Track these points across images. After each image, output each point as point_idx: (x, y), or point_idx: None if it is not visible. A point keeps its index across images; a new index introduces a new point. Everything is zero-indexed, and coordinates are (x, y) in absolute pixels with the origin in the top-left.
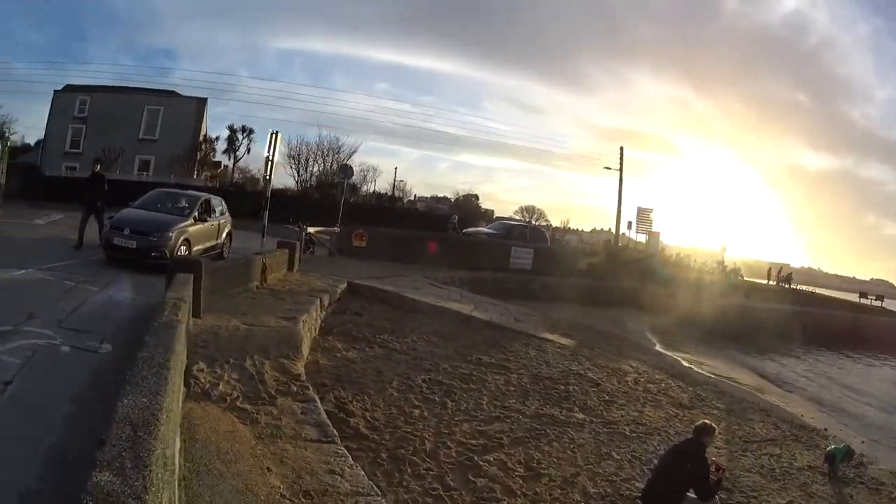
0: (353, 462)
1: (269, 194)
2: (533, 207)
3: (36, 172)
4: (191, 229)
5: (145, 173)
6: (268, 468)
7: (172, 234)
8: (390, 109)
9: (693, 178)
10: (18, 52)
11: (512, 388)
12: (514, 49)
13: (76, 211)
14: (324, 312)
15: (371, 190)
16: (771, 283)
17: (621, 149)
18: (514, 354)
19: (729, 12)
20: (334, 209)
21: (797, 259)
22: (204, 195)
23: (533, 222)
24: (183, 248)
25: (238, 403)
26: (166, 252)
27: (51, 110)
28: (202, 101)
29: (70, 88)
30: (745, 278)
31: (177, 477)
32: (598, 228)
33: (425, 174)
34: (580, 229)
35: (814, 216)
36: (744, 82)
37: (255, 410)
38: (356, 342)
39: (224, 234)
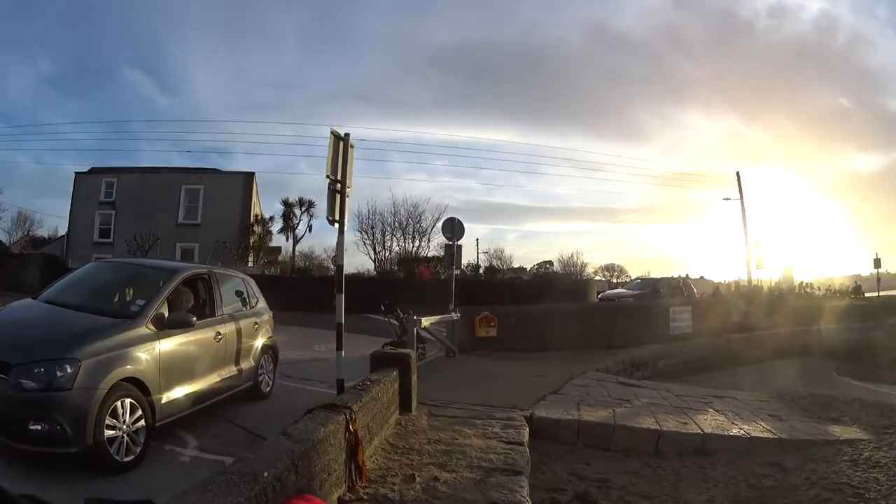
0: None
1: (342, 259)
2: (613, 265)
3: (58, 264)
4: (142, 352)
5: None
6: None
7: (74, 368)
8: (452, 188)
9: (757, 205)
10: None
11: None
12: (564, 110)
13: None
14: None
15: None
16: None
17: (738, 174)
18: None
19: (760, 29)
20: (428, 289)
21: (867, 268)
22: (195, 268)
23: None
24: (123, 403)
25: None
26: (62, 421)
27: (73, 195)
28: (249, 176)
29: (95, 171)
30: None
31: None
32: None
33: (496, 248)
34: None
35: (877, 220)
36: (788, 100)
37: None
38: None
39: (257, 349)
